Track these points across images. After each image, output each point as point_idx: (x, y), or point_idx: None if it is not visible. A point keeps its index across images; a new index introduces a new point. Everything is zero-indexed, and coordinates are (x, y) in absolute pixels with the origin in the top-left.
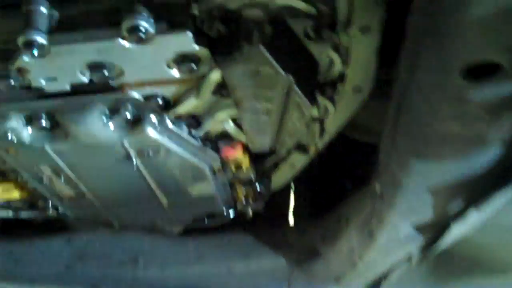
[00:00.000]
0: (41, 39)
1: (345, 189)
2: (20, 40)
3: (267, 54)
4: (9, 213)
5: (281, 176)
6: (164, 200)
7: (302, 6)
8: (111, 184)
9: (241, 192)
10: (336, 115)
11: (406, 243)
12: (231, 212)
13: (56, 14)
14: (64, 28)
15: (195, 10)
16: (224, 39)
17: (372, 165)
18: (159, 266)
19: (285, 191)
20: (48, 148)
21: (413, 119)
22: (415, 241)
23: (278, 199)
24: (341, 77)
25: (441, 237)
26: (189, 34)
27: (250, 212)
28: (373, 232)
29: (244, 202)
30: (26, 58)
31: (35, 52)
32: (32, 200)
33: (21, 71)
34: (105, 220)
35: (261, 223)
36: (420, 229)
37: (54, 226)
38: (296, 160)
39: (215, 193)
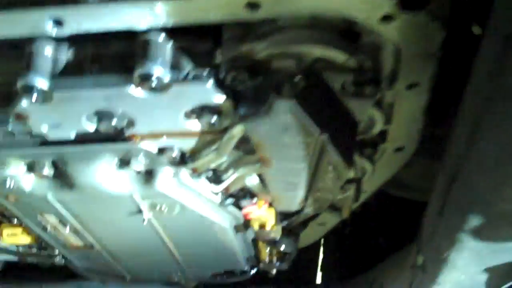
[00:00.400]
0: (42, 84)
1: (378, 249)
2: (19, 84)
3: (299, 109)
4: (16, 257)
5: (310, 235)
6: (178, 255)
7: (342, 58)
8: (120, 237)
9: (264, 251)
10: (375, 175)
11: None
12: (253, 270)
13: (62, 57)
14: (70, 72)
15: (219, 58)
16: (250, 91)
17: (410, 223)
18: None
19: (313, 247)
20: (51, 197)
21: (469, 194)
22: None
23: (305, 256)
24: (382, 136)
25: None
26: (210, 85)
27: (274, 271)
28: None
29: (267, 261)
30: (25, 104)
31: (35, 98)
32: (40, 246)
33: (20, 116)
34: (115, 272)
35: (286, 281)
36: None
37: (64, 272)
38: (327, 219)
39: (235, 251)
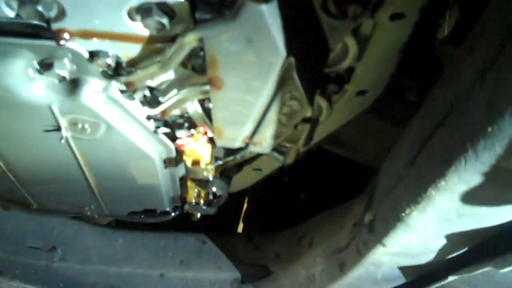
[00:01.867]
0: None
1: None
2: None
3: (269, 20)
4: None
5: (242, 180)
6: (96, 185)
7: None
8: (31, 156)
9: (192, 191)
10: (329, 119)
11: (381, 285)
12: (176, 212)
13: None
14: None
15: None
16: None
17: (344, 182)
18: (80, 259)
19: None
20: None
21: (457, 142)
22: (391, 285)
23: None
24: (348, 74)
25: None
26: None
27: (198, 215)
28: (346, 265)
29: (194, 203)
30: None
31: None
32: None
33: None
34: (21, 198)
35: (208, 228)
36: (406, 274)
37: None
38: (264, 164)
39: (160, 188)
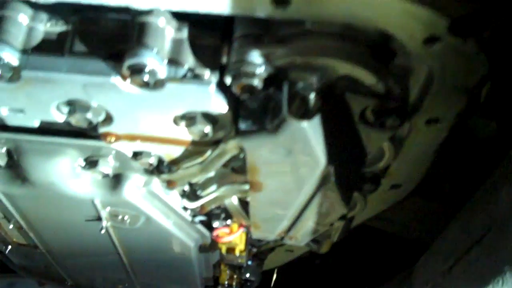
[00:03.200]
0: (10, 58)
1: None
2: None
3: (310, 135)
4: None
5: (274, 259)
6: (131, 266)
7: (371, 80)
8: (70, 242)
9: (225, 274)
10: (363, 212)
11: None
12: None
13: (39, 28)
14: (46, 49)
15: (224, 58)
16: (256, 103)
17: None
18: None
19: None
20: None
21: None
22: None
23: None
24: (383, 171)
25: None
26: (213, 89)
27: None
28: None
29: (226, 285)
30: None
31: None
32: None
33: None
34: (56, 275)
35: None
36: None
37: None
38: (297, 247)
39: (194, 271)
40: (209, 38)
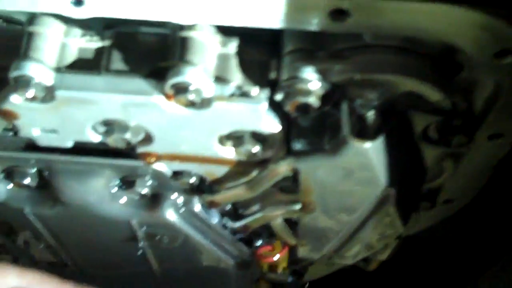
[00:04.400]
0: (43, 78)
1: None
2: (12, 73)
3: (373, 157)
4: None
5: (313, 273)
6: (162, 284)
7: (436, 97)
8: (101, 261)
9: None
10: (414, 227)
11: None
12: None
13: (73, 45)
14: (82, 67)
15: (273, 74)
16: (309, 121)
17: None
18: None
19: None
20: (28, 212)
21: None
22: None
23: None
24: (439, 189)
25: None
26: (264, 107)
27: None
28: None
29: None
30: (17, 100)
31: (31, 94)
32: None
33: (7, 114)
34: None
35: None
36: None
37: None
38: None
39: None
40: (256, 53)
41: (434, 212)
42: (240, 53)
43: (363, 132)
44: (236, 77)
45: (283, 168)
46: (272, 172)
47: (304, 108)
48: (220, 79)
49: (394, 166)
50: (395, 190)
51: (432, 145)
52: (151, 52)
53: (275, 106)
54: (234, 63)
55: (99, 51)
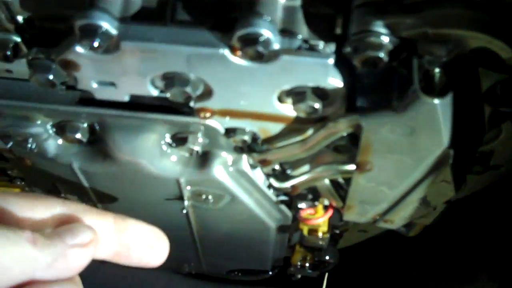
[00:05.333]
0: (109, 27)
1: None
2: (78, 23)
3: (440, 114)
4: None
5: (345, 239)
6: (202, 245)
7: (508, 53)
8: (143, 219)
9: (299, 254)
10: (462, 192)
11: None
12: (274, 271)
13: None
14: (147, 18)
15: (339, 28)
16: (373, 78)
17: None
18: None
19: None
20: (75, 166)
21: None
22: None
23: None
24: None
25: None
26: (332, 62)
27: (299, 276)
28: None
29: (299, 266)
30: (81, 50)
31: (97, 44)
32: None
33: (68, 64)
34: None
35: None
36: None
37: None
38: (372, 227)
39: (269, 251)
40: (323, 7)
41: (481, 177)
42: (307, 6)
43: (431, 89)
44: (303, 30)
45: (343, 125)
46: (330, 130)
47: (373, 63)
48: (287, 31)
49: (457, 126)
50: (453, 151)
51: (496, 105)
52: (216, 3)
53: (340, 61)
54: (300, 16)
55: (164, 2)
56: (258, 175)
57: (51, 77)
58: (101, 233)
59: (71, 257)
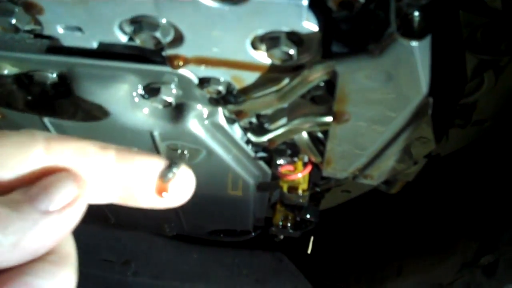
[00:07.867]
0: None
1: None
2: None
3: (418, 58)
4: None
5: (329, 200)
6: (180, 206)
7: None
8: None
9: (281, 214)
10: (445, 148)
11: None
12: (256, 231)
13: None
14: None
15: None
16: (348, 22)
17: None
18: (153, 274)
19: None
20: (46, 120)
21: None
22: None
23: None
24: (474, 105)
25: None
26: (305, 4)
27: (281, 237)
28: None
29: (280, 226)
30: None
31: None
32: None
33: (31, 7)
34: (99, 211)
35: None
36: None
37: None
38: (355, 187)
39: (249, 210)
40: None
41: (464, 133)
42: None
43: (410, 32)
44: None
45: (319, 73)
46: (306, 78)
47: (349, 4)
48: None
49: (437, 73)
50: (433, 100)
51: (477, 51)
52: None
53: (315, 4)
54: None
55: None
56: (236, 130)
57: (13, 21)
58: (98, 175)
59: (45, 228)
